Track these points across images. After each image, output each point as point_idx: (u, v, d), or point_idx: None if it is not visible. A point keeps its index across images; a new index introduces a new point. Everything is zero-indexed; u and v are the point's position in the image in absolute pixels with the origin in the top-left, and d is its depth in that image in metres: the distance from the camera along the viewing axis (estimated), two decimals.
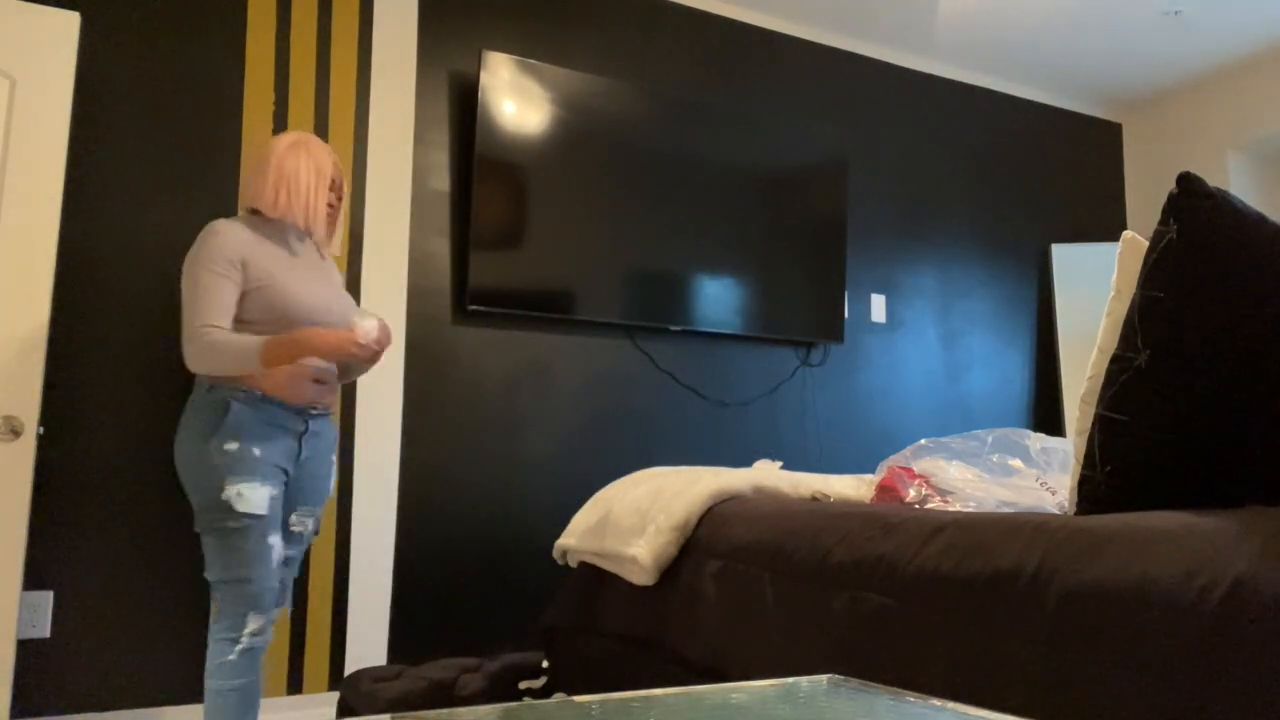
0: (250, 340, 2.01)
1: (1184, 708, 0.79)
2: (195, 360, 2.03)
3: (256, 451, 2.05)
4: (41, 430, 2.52)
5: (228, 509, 2.00)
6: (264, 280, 2.10)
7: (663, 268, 3.44)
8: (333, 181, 2.28)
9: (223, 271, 2.06)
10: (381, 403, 3.00)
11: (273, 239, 2.18)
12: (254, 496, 2.02)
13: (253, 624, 2.03)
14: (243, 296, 2.09)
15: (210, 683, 2.02)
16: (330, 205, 2.28)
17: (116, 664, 2.61)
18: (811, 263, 3.75)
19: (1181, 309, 1.02)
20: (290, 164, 2.20)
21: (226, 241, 2.08)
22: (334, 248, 2.35)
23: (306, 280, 2.18)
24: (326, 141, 3.01)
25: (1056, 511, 1.44)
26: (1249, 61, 4.28)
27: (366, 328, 2.08)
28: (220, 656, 2.02)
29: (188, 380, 2.75)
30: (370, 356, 2.11)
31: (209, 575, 2.04)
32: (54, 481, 2.58)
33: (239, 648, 2.02)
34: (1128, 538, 0.91)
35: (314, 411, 2.20)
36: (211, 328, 2.02)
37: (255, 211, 2.21)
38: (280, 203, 2.17)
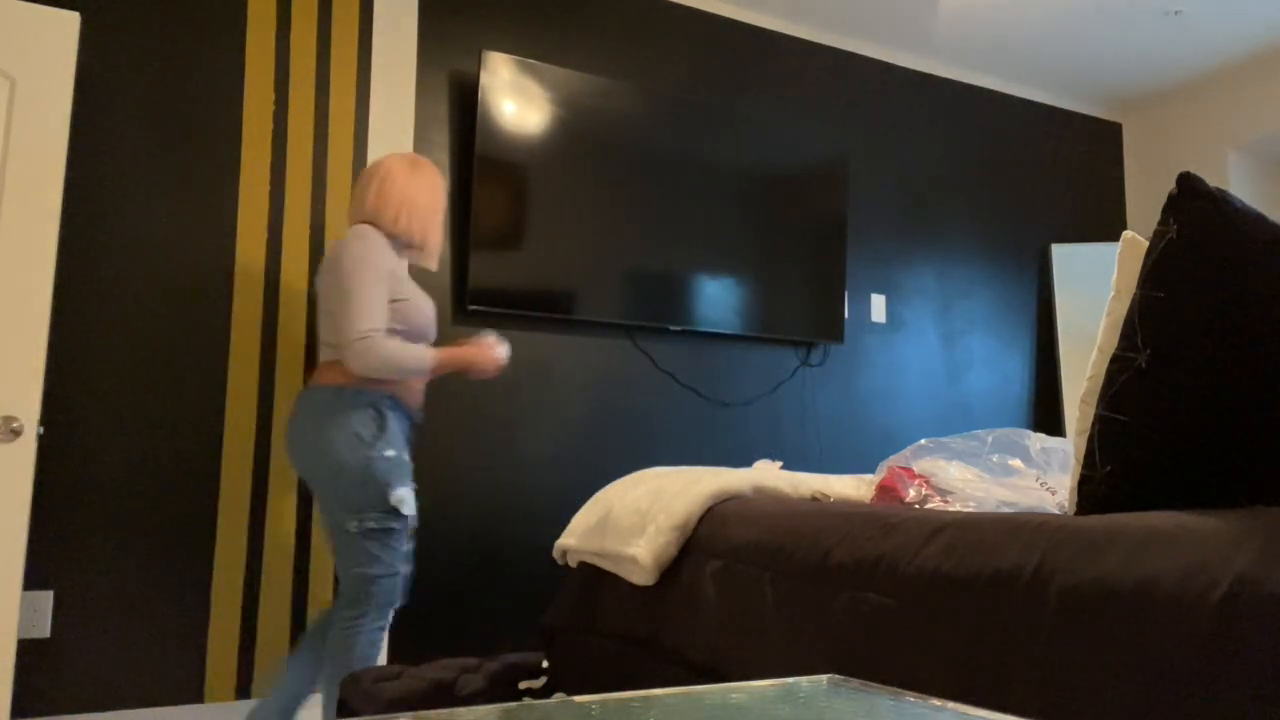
0: (424, 351, 2.24)
1: (1184, 707, 0.79)
2: (366, 363, 2.16)
3: (405, 457, 2.24)
4: (41, 430, 2.52)
5: (395, 512, 2.18)
6: (404, 294, 2.28)
7: (663, 268, 3.44)
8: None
9: (381, 279, 2.21)
10: None
11: (397, 253, 2.35)
12: (410, 500, 2.22)
13: (390, 614, 2.23)
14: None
15: (355, 667, 2.17)
16: None
17: (116, 664, 2.61)
18: (811, 263, 3.75)
19: (1181, 309, 1.02)
20: (412, 186, 2.35)
21: (382, 252, 2.23)
22: (434, 264, 2.48)
23: (421, 294, 2.36)
24: (326, 141, 3.02)
25: (1056, 511, 1.44)
26: (1249, 61, 4.28)
27: (505, 353, 2.43)
28: (372, 646, 2.19)
29: (193, 379, 2.75)
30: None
31: (368, 570, 2.18)
32: (54, 481, 2.58)
33: (383, 636, 2.22)
34: (1128, 538, 0.91)
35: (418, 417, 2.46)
36: (378, 333, 2.17)
37: (370, 226, 2.30)
38: (401, 222, 2.32)
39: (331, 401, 2.19)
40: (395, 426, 2.24)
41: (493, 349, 2.39)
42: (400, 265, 2.30)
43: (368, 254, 2.20)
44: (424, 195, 2.37)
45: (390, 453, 2.19)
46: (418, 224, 2.35)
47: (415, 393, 2.34)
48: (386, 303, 2.21)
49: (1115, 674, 0.85)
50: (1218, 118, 4.42)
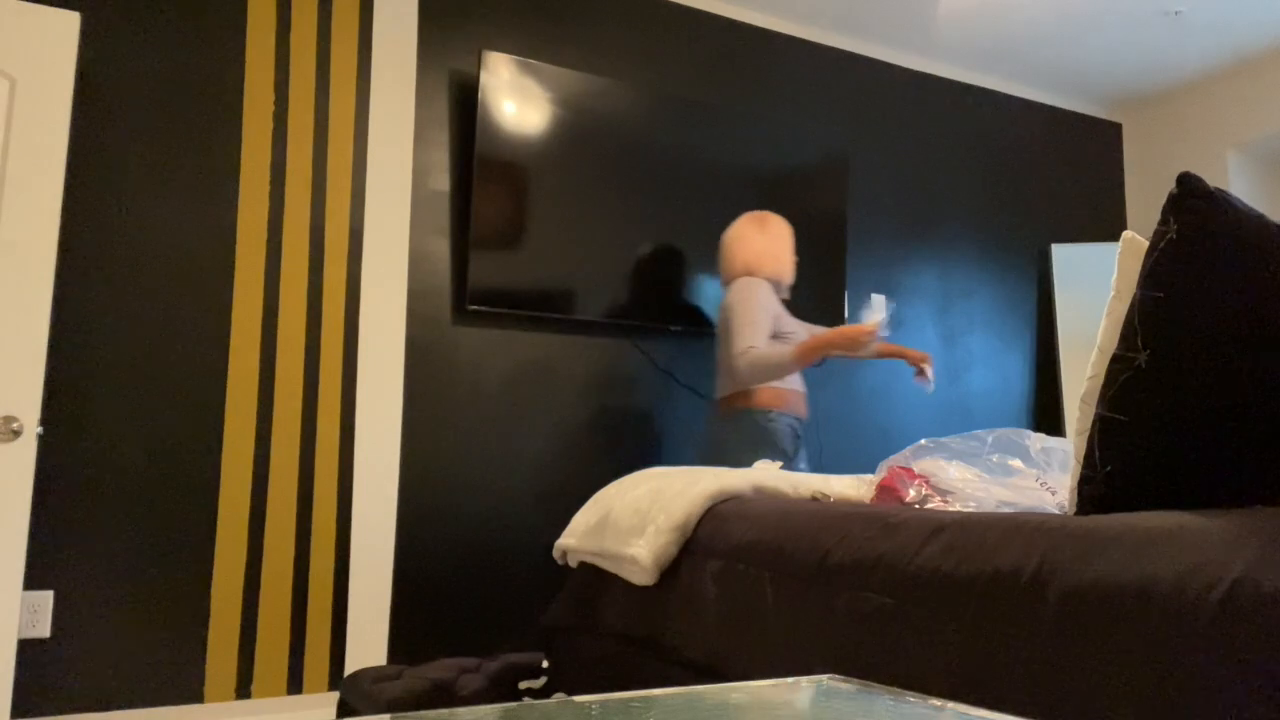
0: (783, 348, 2.61)
1: (1185, 707, 0.79)
2: (747, 375, 2.63)
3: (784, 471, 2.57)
4: (41, 430, 2.52)
5: None
6: (782, 329, 2.75)
7: (663, 268, 3.44)
8: None
9: (763, 307, 2.70)
10: (381, 402, 3.00)
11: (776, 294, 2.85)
12: None
13: None
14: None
15: None
16: None
17: (116, 664, 2.61)
18: (811, 263, 3.75)
19: (1181, 309, 1.02)
20: (768, 240, 2.90)
21: (761, 292, 2.74)
22: (786, 294, 2.96)
23: (804, 327, 2.84)
24: (326, 141, 3.02)
25: (1056, 511, 1.44)
26: (1249, 61, 4.28)
27: (880, 319, 2.61)
28: None
29: (191, 378, 2.75)
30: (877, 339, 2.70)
31: None
32: (54, 481, 2.58)
33: None
34: (1128, 538, 0.91)
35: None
36: (753, 348, 2.62)
37: (750, 274, 2.82)
38: (768, 266, 2.86)
39: (734, 422, 2.70)
40: (784, 444, 2.68)
41: (862, 326, 2.61)
42: (780, 305, 2.79)
43: (749, 294, 2.71)
44: (776, 244, 2.90)
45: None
46: (783, 266, 2.90)
47: (800, 398, 2.80)
48: (767, 327, 2.67)
49: (1115, 674, 0.85)
50: (1218, 118, 4.42)
